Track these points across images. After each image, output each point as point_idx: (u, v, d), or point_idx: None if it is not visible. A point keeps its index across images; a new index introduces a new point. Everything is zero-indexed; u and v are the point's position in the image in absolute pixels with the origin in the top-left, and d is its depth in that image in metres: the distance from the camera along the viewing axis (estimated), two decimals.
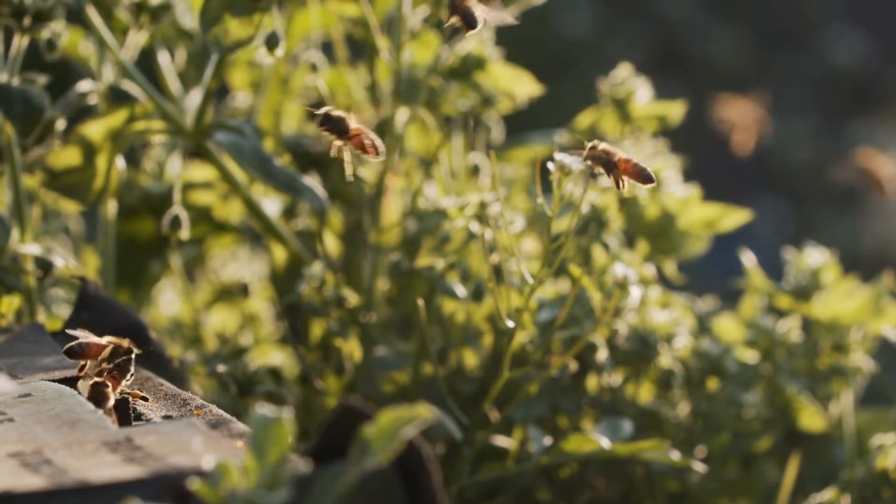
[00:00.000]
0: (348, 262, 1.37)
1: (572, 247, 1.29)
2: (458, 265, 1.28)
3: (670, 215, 1.35)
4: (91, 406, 0.93)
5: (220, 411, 0.94)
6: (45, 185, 1.26)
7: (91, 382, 0.96)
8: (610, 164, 1.07)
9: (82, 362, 1.00)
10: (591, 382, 1.29)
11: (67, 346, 1.00)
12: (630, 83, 1.39)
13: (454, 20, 1.13)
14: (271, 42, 1.20)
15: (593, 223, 1.30)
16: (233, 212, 1.44)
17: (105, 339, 1.00)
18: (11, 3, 1.19)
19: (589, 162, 1.07)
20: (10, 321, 1.20)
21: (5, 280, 1.19)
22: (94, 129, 1.26)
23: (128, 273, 1.41)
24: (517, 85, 1.36)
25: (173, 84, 1.34)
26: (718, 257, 1.72)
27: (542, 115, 1.92)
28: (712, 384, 1.33)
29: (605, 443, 1.17)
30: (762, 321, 1.37)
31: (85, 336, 1.00)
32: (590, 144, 1.07)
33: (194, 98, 1.33)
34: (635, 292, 1.21)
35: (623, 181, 1.07)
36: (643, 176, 1.07)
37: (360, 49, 1.39)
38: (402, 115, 1.33)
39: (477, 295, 1.28)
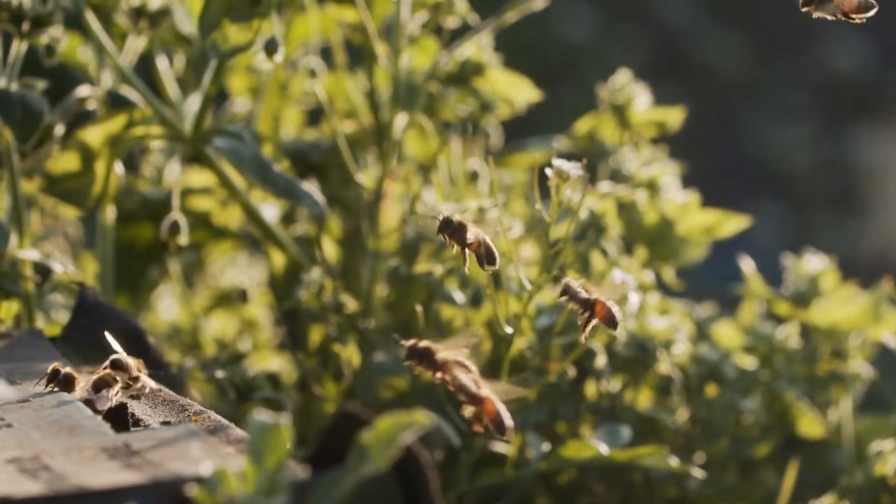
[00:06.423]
0: (347, 268, 1.37)
1: (571, 253, 1.29)
2: (456, 271, 1.28)
3: (669, 221, 1.35)
4: (89, 412, 0.93)
5: (219, 417, 0.94)
6: (43, 190, 1.26)
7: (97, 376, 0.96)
8: (587, 303, 1.05)
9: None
10: (590, 388, 1.29)
11: (114, 357, 0.99)
12: (629, 89, 1.39)
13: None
14: (270, 47, 1.20)
15: (592, 229, 1.30)
16: (232, 217, 1.44)
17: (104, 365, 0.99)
18: (10, 8, 1.19)
19: (564, 299, 1.05)
20: (9, 326, 1.20)
21: (4, 285, 1.19)
22: (93, 135, 1.26)
23: (126, 278, 1.41)
24: (516, 91, 1.37)
25: (172, 89, 1.34)
26: (717, 263, 1.72)
27: (541, 121, 1.92)
28: (711, 390, 1.33)
29: (603, 449, 1.17)
30: (761, 327, 1.37)
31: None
32: (565, 281, 1.05)
33: (193, 103, 1.33)
34: (634, 298, 1.21)
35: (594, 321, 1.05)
36: (612, 321, 1.05)
37: (358, 55, 1.39)
38: (400, 120, 1.33)
39: (475, 301, 1.28)
